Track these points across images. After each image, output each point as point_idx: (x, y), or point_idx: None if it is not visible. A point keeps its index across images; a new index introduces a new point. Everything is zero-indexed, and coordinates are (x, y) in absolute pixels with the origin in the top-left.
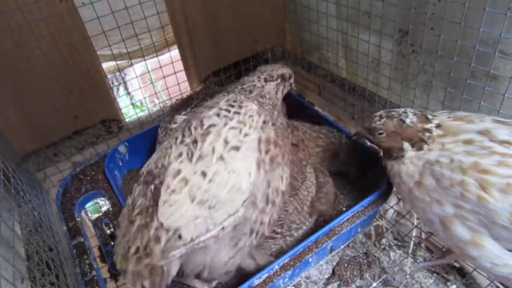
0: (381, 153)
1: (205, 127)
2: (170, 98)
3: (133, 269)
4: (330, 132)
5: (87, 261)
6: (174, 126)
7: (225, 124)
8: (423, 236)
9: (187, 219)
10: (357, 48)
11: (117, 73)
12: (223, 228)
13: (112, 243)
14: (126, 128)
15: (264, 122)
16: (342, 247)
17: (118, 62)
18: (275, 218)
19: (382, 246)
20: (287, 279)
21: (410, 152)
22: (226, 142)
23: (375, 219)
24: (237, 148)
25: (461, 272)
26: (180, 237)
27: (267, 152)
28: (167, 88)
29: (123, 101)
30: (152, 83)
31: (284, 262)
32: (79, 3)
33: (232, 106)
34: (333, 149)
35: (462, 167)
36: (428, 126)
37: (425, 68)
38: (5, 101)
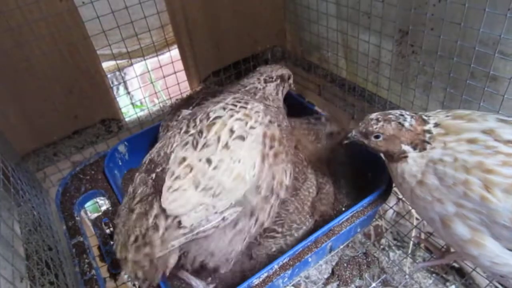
0: (383, 156)
1: (211, 119)
2: (170, 98)
3: (132, 258)
4: (314, 123)
5: (86, 260)
6: (175, 123)
7: (231, 116)
8: (423, 236)
9: (190, 206)
10: (357, 48)
11: (117, 73)
12: (223, 219)
13: (112, 242)
14: (126, 128)
15: (270, 121)
16: (342, 247)
17: (118, 61)
18: (275, 211)
19: (382, 246)
20: (286, 279)
21: (413, 153)
22: (231, 131)
23: (374, 219)
24: (242, 138)
25: (460, 272)
26: (179, 225)
27: (271, 147)
28: (167, 88)
29: (123, 101)
30: (152, 82)
31: (284, 261)
32: (79, 2)
33: (239, 102)
34: (320, 135)
35: (466, 167)
36: (427, 127)
37: (425, 68)
38: (5, 101)
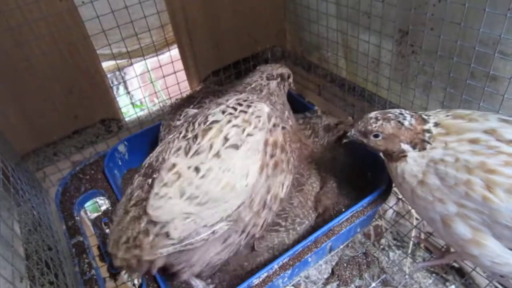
0: (383, 156)
1: (208, 122)
2: (170, 98)
3: (122, 256)
4: (310, 117)
5: (86, 260)
6: (178, 123)
7: (228, 121)
8: (422, 236)
9: (174, 214)
10: (357, 48)
11: (117, 73)
12: (213, 233)
13: None
14: (126, 128)
15: (274, 125)
16: (341, 247)
17: (118, 61)
18: (269, 222)
19: (381, 246)
20: (286, 279)
21: (412, 153)
22: (226, 139)
23: (374, 219)
24: (236, 147)
25: (460, 272)
26: (168, 235)
27: (272, 156)
28: (167, 88)
29: (122, 101)
30: (152, 82)
31: (284, 261)
32: (79, 2)
33: (240, 105)
34: (316, 129)
35: (468, 167)
36: (426, 126)
37: (425, 68)
38: (5, 101)
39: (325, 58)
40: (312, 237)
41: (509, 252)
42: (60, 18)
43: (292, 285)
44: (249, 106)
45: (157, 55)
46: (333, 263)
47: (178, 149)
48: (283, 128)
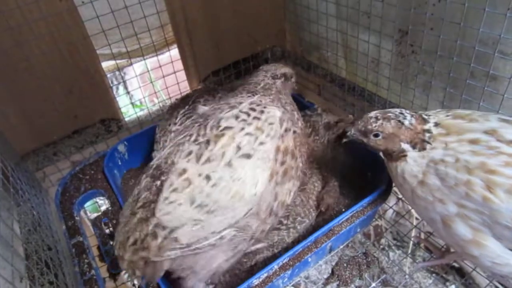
0: (383, 156)
1: (220, 128)
2: (170, 98)
3: (129, 258)
4: (310, 115)
5: (86, 260)
6: (174, 128)
7: (242, 129)
8: (422, 236)
9: (183, 221)
10: (357, 48)
11: (117, 72)
12: (221, 238)
13: (111, 242)
14: (126, 127)
15: (285, 130)
16: (341, 247)
17: (118, 61)
18: (273, 226)
19: (381, 246)
20: (286, 279)
21: (412, 152)
22: (238, 148)
23: (374, 219)
24: (248, 156)
25: (460, 272)
26: (176, 240)
27: (282, 163)
28: (167, 88)
29: (122, 100)
30: (151, 82)
31: (283, 262)
32: (79, 2)
33: (254, 110)
34: (316, 127)
35: (468, 167)
36: (427, 126)
37: (424, 68)
38: (4, 101)
39: (325, 58)
40: (312, 237)
41: (510, 252)
42: (60, 18)
43: (292, 285)
44: (262, 112)
45: (157, 55)
46: (333, 263)
47: (189, 153)
48: (294, 132)
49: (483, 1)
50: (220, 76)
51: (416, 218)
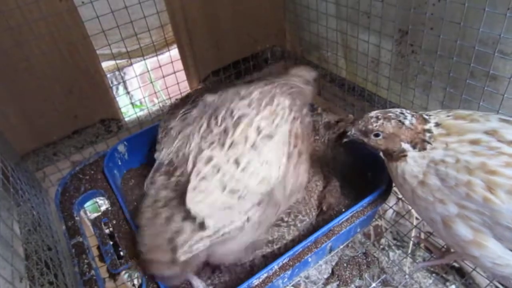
0: (383, 156)
1: (235, 117)
2: (170, 98)
3: (159, 260)
4: (311, 114)
5: (86, 261)
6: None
7: (257, 114)
8: (422, 236)
9: (215, 208)
10: (357, 48)
11: (117, 73)
12: (248, 219)
13: (111, 242)
14: (126, 128)
15: (294, 118)
16: (341, 247)
17: (118, 61)
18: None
19: (381, 246)
20: (286, 279)
21: (412, 152)
22: (258, 130)
23: (374, 219)
24: (270, 137)
25: (460, 272)
26: (204, 227)
27: (295, 146)
28: (167, 88)
29: (122, 101)
30: (151, 82)
31: (283, 262)
32: (79, 2)
33: (265, 97)
34: (317, 127)
35: (468, 168)
36: (427, 126)
37: (424, 68)
38: (4, 101)
39: (325, 58)
40: (312, 237)
41: (510, 253)
42: (60, 18)
43: (292, 286)
44: (272, 99)
45: (156, 55)
46: (333, 263)
47: (212, 143)
48: (301, 122)
49: (483, 1)
50: (220, 76)
51: (416, 218)
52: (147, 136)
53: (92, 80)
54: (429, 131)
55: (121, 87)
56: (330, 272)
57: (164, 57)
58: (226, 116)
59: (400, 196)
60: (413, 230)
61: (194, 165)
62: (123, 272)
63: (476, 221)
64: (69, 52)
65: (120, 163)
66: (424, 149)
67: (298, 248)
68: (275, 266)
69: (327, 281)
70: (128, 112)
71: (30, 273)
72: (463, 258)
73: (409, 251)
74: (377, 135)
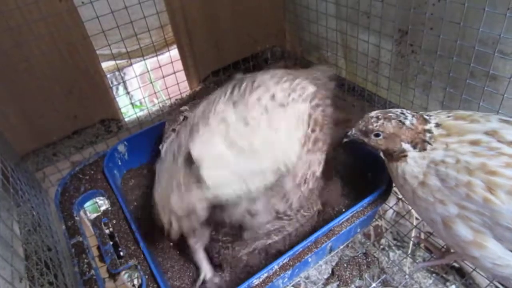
0: (383, 156)
1: (255, 84)
2: (170, 98)
3: (173, 205)
4: None
5: (85, 260)
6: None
7: (276, 84)
8: (423, 236)
9: (213, 155)
10: (357, 48)
11: (117, 73)
12: (249, 191)
13: (111, 242)
14: (126, 128)
15: (317, 105)
16: (342, 247)
17: (118, 61)
18: (304, 197)
19: (381, 246)
20: (286, 279)
21: (412, 153)
22: (273, 96)
23: (374, 219)
24: (283, 106)
25: (461, 272)
26: (202, 179)
27: (313, 131)
28: (167, 88)
29: (122, 101)
30: (151, 82)
31: (284, 262)
32: (79, 2)
33: (288, 76)
34: None
35: (468, 168)
36: (427, 127)
37: (424, 68)
38: (4, 101)
39: (325, 58)
40: (312, 237)
41: (510, 254)
42: (59, 19)
43: (292, 286)
44: (294, 80)
45: (156, 56)
46: (333, 264)
47: (225, 102)
48: (323, 111)
49: (483, 1)
50: (220, 76)
51: (416, 218)
52: (147, 136)
53: (92, 80)
54: (429, 131)
55: (121, 88)
56: (330, 272)
57: (164, 57)
58: (248, 84)
59: (400, 196)
60: (413, 230)
61: (208, 119)
62: (123, 272)
63: (476, 222)
64: (69, 52)
65: (120, 163)
66: (425, 149)
67: (298, 248)
68: (275, 266)
69: (327, 281)
70: (128, 112)
71: (30, 273)
72: (463, 258)
73: (409, 251)
74: (377, 135)
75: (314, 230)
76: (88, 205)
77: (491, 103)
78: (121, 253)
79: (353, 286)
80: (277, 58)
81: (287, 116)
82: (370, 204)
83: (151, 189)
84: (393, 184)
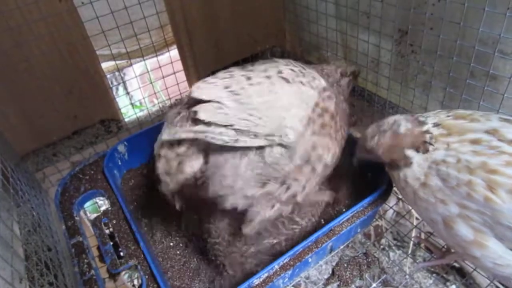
0: (387, 166)
1: (267, 64)
2: (170, 98)
3: (164, 155)
4: None
5: (85, 261)
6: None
7: (286, 65)
8: (423, 236)
9: (212, 93)
10: (357, 48)
11: (116, 73)
12: (236, 141)
13: (111, 242)
14: (125, 128)
15: (328, 97)
16: (342, 247)
17: (118, 62)
18: (313, 186)
19: (382, 246)
20: (286, 279)
21: (416, 157)
22: (279, 71)
23: (374, 219)
24: (287, 81)
25: (461, 272)
26: (196, 113)
27: (320, 116)
28: (166, 88)
29: (122, 101)
30: (151, 83)
31: (284, 262)
32: (79, 2)
33: (302, 66)
34: None
35: (469, 167)
36: (425, 128)
37: (424, 68)
38: (4, 101)
39: (325, 58)
40: (312, 237)
41: (511, 253)
42: (59, 19)
43: (293, 286)
44: (305, 69)
45: (156, 56)
46: (334, 264)
47: (237, 68)
48: (336, 103)
49: (483, 1)
50: None
51: (417, 218)
52: (147, 137)
53: (92, 80)
54: (427, 132)
55: (121, 88)
56: (331, 272)
57: (164, 57)
58: (260, 64)
59: (400, 196)
60: (414, 230)
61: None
62: (123, 272)
63: (477, 221)
64: (69, 52)
65: (120, 163)
66: (427, 150)
67: (299, 248)
68: (275, 265)
69: (328, 282)
70: (128, 112)
71: (30, 273)
72: (464, 258)
73: (410, 251)
74: (379, 151)
75: (314, 229)
76: (88, 205)
77: (491, 103)
78: (121, 253)
79: (353, 286)
80: (277, 58)
81: (291, 91)
82: (371, 204)
83: (151, 189)
84: (393, 184)
